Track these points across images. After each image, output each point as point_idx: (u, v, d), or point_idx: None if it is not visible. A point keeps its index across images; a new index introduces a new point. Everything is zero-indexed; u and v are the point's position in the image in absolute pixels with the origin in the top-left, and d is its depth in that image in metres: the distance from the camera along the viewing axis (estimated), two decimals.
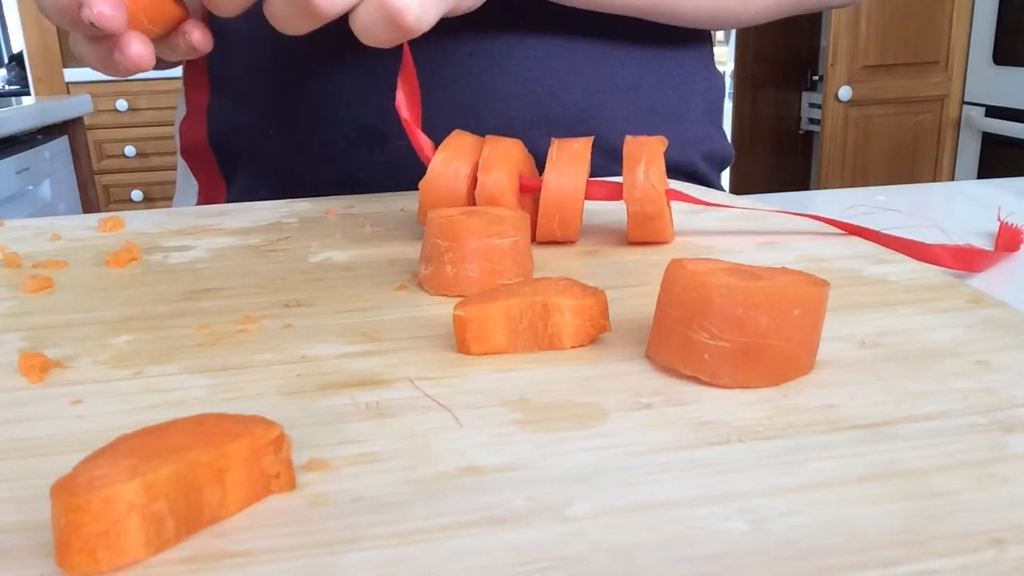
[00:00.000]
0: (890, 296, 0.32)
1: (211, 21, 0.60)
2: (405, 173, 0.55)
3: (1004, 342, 0.28)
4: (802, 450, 0.22)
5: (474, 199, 0.40)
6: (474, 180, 0.40)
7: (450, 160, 0.40)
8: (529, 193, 0.41)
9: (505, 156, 0.40)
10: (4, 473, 0.22)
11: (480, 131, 0.42)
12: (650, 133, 0.59)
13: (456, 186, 0.39)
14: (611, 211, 0.46)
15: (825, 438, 0.22)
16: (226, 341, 0.30)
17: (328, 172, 0.57)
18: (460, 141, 0.41)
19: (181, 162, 0.66)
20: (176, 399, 0.25)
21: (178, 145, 0.66)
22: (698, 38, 0.64)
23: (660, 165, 0.38)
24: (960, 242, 0.42)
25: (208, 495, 0.19)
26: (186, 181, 0.66)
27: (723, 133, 0.68)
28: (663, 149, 0.39)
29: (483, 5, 0.48)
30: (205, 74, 0.62)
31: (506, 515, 0.19)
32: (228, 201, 0.62)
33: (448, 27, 0.55)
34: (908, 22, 2.40)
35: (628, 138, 0.40)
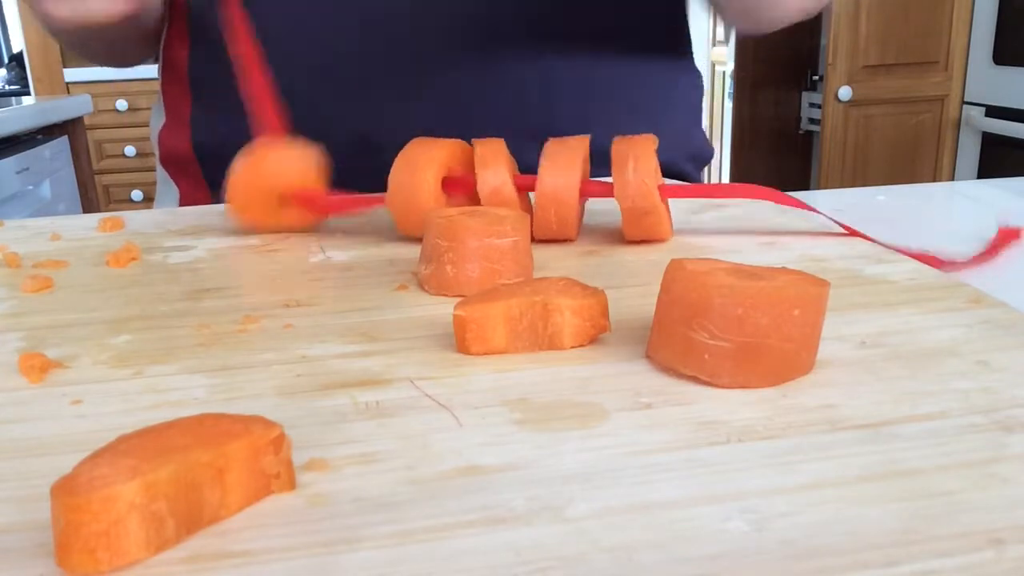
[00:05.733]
0: (890, 296, 0.32)
1: (193, 27, 0.60)
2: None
3: (1004, 342, 0.28)
4: (802, 450, 0.22)
5: (445, 202, 0.40)
6: (445, 183, 0.40)
7: (412, 169, 0.40)
8: (522, 191, 0.41)
9: (499, 152, 0.40)
10: (4, 473, 0.22)
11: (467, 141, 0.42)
12: (632, 134, 0.59)
13: (422, 196, 0.39)
14: (611, 211, 0.46)
15: (825, 438, 0.22)
16: (226, 341, 0.30)
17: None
18: (416, 148, 0.41)
19: (160, 169, 0.66)
20: (176, 399, 0.25)
21: (157, 154, 0.65)
22: (676, 39, 0.64)
23: (650, 161, 0.38)
24: (962, 243, 0.42)
25: (208, 495, 0.19)
26: (166, 187, 0.65)
27: (703, 132, 0.68)
28: (653, 147, 0.39)
29: (472, 18, 0.48)
30: (186, 82, 0.61)
31: (506, 515, 0.19)
32: None
33: (440, 39, 0.55)
34: (908, 22, 2.40)
35: (617, 138, 0.40)
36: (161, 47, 0.64)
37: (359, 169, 0.53)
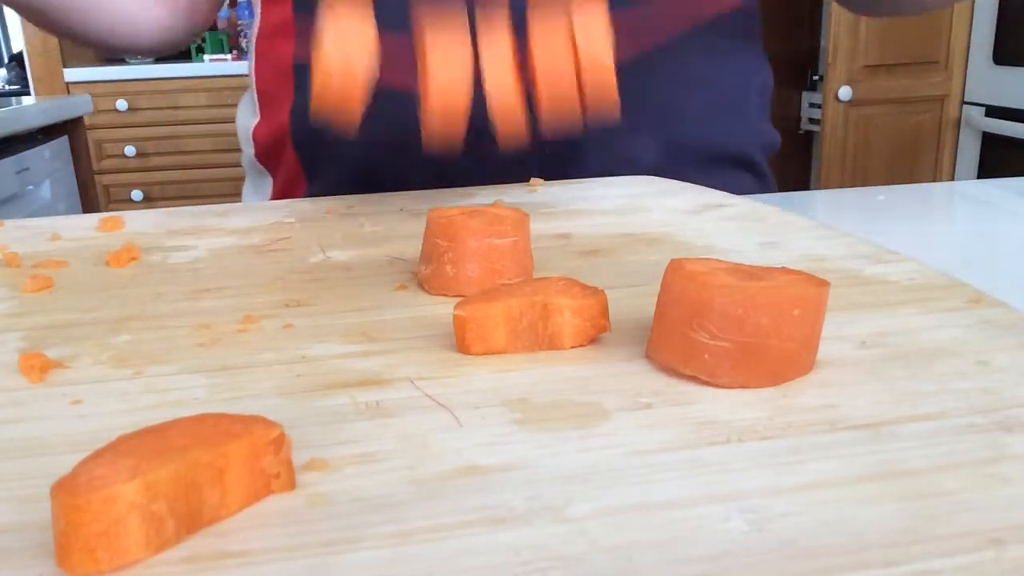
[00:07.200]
0: (890, 296, 0.32)
1: (299, 20, 0.60)
2: (499, 169, 0.54)
3: (1004, 342, 0.28)
4: (802, 450, 0.22)
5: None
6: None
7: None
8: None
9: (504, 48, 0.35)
10: (4, 473, 0.22)
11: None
12: (718, 127, 0.59)
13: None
14: (609, 211, 0.46)
15: (825, 438, 0.22)
16: (226, 341, 0.30)
17: (419, 169, 0.56)
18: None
19: (253, 165, 0.67)
20: (176, 399, 0.26)
21: (251, 151, 0.66)
22: (748, 29, 0.64)
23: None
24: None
25: (208, 495, 0.19)
26: (260, 180, 0.67)
27: (769, 122, 0.69)
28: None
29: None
30: (290, 75, 0.62)
31: (506, 515, 0.19)
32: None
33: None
34: (908, 22, 2.40)
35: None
36: (253, 46, 0.65)
37: (457, 155, 0.52)
